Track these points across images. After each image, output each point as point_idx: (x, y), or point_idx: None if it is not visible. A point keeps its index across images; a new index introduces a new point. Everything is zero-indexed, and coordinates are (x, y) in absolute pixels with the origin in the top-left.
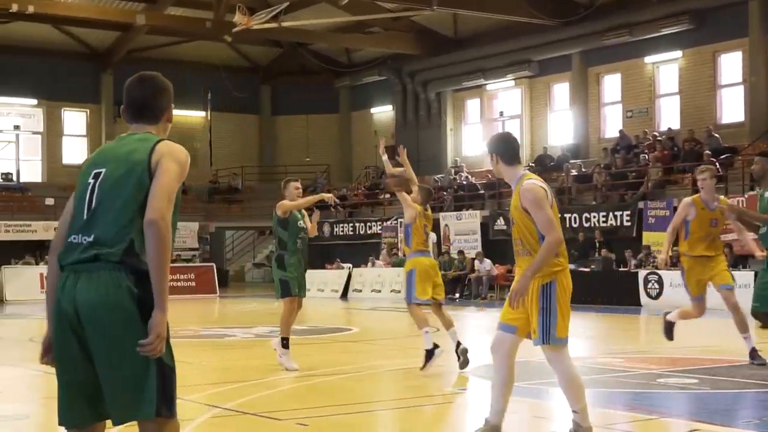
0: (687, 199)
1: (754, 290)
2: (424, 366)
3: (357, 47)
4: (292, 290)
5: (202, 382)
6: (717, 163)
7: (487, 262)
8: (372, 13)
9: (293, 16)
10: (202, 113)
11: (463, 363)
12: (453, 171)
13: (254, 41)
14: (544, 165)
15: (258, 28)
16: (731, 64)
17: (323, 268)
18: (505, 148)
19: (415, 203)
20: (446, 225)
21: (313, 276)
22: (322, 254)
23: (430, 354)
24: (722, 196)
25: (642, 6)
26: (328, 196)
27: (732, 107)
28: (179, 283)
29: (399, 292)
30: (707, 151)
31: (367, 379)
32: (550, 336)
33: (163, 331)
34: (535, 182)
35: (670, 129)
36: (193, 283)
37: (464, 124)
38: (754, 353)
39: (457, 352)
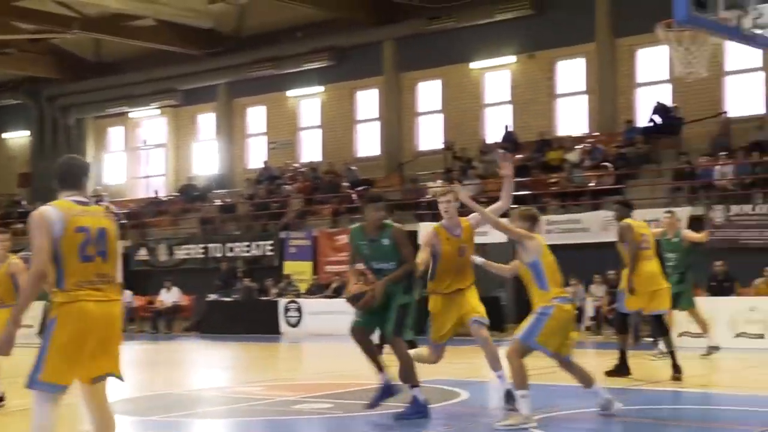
0: (430, 230)
1: None
2: None
3: None
4: None
5: None
6: (354, 195)
7: (128, 293)
8: (5, 34)
9: None
10: None
11: None
12: (94, 200)
13: None
14: (188, 195)
15: None
16: (368, 101)
17: None
18: (59, 172)
19: None
20: None
21: None
22: None
23: None
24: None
25: (286, 41)
26: None
27: (369, 141)
28: None
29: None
30: (346, 183)
31: None
32: (31, 378)
33: None
34: (44, 207)
35: (311, 161)
36: None
37: (107, 152)
38: (509, 395)
39: None
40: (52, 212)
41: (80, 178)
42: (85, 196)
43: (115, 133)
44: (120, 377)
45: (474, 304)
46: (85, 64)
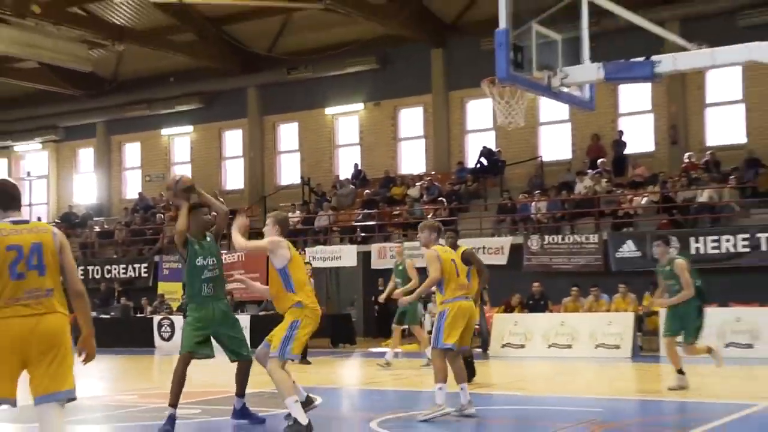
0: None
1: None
2: None
3: None
4: None
5: None
6: None
7: None
8: None
9: None
10: None
11: None
12: None
13: None
14: (69, 222)
15: (158, 0)
16: (233, 140)
17: None
18: None
19: None
20: None
21: None
22: None
23: None
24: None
25: (159, 85)
26: None
27: (234, 176)
28: None
29: None
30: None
31: None
32: None
33: None
34: None
35: None
36: None
37: None
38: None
39: None
40: None
41: (13, 199)
42: (21, 216)
43: (0, 165)
44: (68, 397)
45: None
46: None
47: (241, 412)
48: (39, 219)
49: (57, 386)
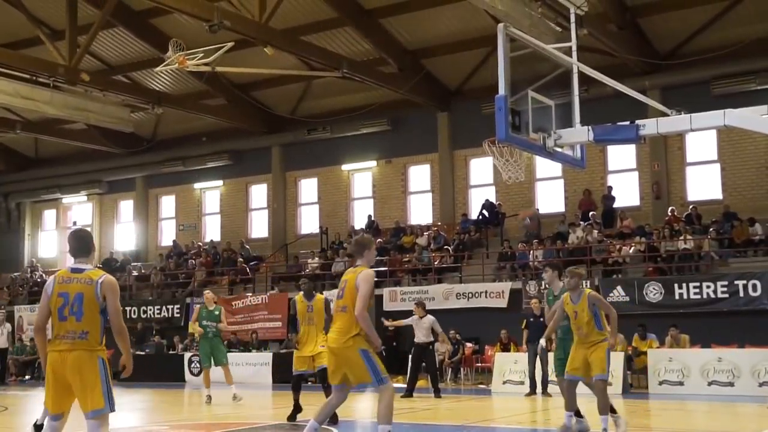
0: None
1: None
2: None
3: None
4: None
5: None
6: (248, 268)
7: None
8: None
9: None
10: None
11: None
12: (29, 270)
13: None
14: (110, 266)
15: (192, 69)
16: (259, 193)
17: None
18: (68, 243)
19: None
20: (20, 316)
21: None
22: None
23: None
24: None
25: (193, 144)
26: None
27: (259, 226)
28: None
29: None
30: (240, 259)
31: None
32: None
33: None
34: (50, 277)
35: (212, 240)
36: None
37: (41, 230)
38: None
39: None
40: (49, 281)
41: (82, 248)
42: (85, 264)
43: (49, 215)
44: (97, 411)
45: None
46: (26, 158)
47: None
48: (100, 267)
49: (86, 407)
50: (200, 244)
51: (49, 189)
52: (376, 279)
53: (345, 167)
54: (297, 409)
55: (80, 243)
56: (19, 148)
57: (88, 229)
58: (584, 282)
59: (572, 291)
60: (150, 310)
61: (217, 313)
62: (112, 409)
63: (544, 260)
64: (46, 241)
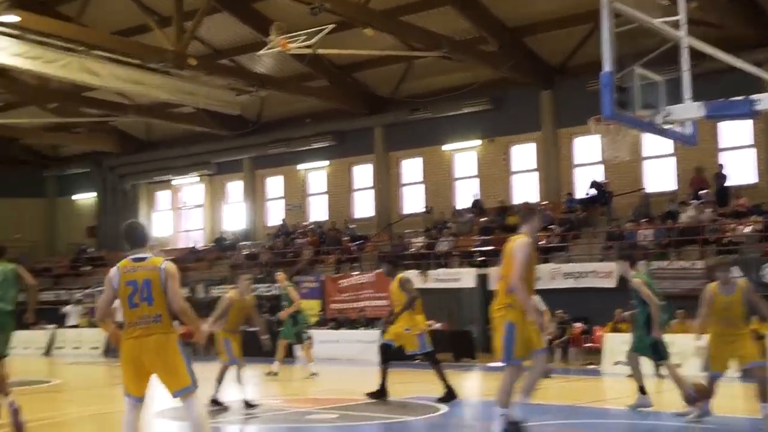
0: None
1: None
2: None
3: (62, 144)
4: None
5: None
6: (353, 247)
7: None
8: (77, 117)
9: (4, 115)
10: None
11: None
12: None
13: None
14: (221, 246)
15: (294, 52)
16: (363, 173)
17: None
18: (123, 234)
19: None
20: None
21: (18, 335)
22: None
23: None
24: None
25: (297, 125)
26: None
27: (364, 205)
28: None
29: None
30: (346, 238)
31: (65, 426)
32: None
33: None
34: (111, 269)
35: (318, 220)
36: None
37: (155, 210)
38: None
39: None
40: (112, 272)
41: (139, 239)
42: (144, 252)
43: (162, 196)
44: (184, 389)
45: None
46: (138, 141)
47: None
48: (160, 253)
49: (173, 386)
50: (306, 223)
51: (161, 171)
52: (482, 258)
53: (446, 147)
54: (382, 390)
55: (136, 235)
56: (131, 131)
57: (199, 210)
58: (696, 264)
59: (724, 284)
60: (259, 288)
61: (285, 293)
62: (197, 386)
63: (654, 239)
64: (161, 221)
